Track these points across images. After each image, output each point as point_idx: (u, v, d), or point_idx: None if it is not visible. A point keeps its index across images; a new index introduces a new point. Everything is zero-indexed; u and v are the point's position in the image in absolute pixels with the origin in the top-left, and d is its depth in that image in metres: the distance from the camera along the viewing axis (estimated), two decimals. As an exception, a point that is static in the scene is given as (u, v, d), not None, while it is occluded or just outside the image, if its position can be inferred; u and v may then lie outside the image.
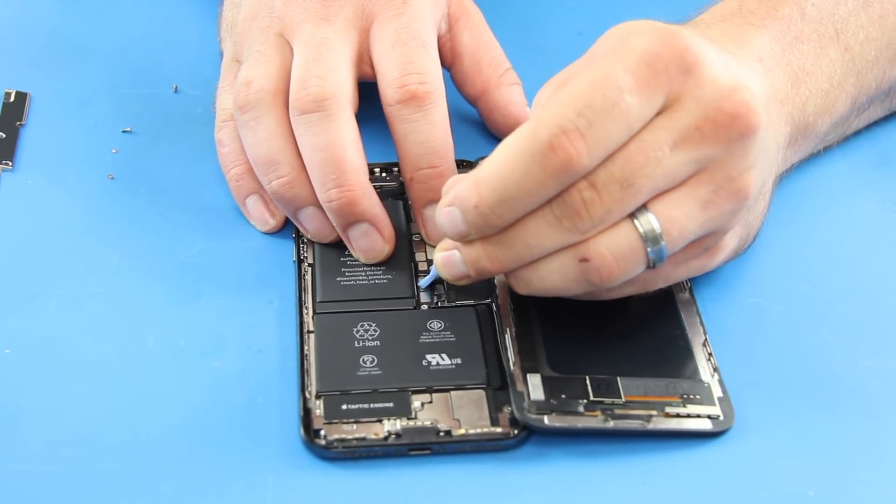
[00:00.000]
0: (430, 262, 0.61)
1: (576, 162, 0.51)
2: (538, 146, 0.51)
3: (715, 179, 0.53)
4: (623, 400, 0.54)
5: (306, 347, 0.57)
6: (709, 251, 0.56)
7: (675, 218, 0.53)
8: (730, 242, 0.57)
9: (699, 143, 0.52)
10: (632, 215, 0.53)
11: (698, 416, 0.54)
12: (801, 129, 0.61)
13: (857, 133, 0.68)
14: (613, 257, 0.53)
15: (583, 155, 0.51)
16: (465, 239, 0.54)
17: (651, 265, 0.53)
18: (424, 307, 0.59)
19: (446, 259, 0.55)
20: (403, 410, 0.55)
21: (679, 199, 0.53)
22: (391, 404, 0.55)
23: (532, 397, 0.54)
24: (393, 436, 0.54)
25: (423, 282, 0.60)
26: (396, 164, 0.65)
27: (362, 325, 0.58)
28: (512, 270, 0.54)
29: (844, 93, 0.63)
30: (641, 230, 0.52)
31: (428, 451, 0.54)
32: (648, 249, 0.53)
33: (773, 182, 0.60)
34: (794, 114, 0.60)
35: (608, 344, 0.57)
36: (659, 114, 0.52)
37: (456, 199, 0.53)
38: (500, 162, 0.52)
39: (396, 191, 0.65)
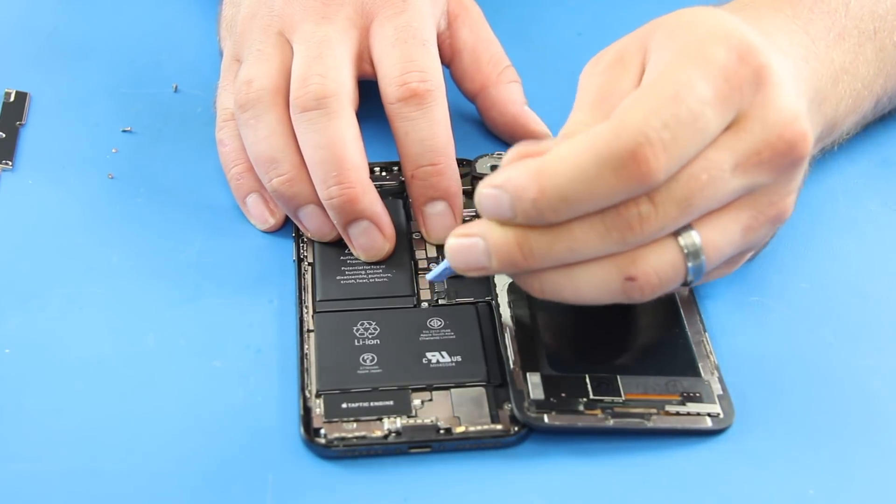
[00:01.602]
0: (430, 261, 0.61)
1: (654, 175, 0.49)
2: (619, 153, 0.49)
3: (758, 205, 0.53)
4: (623, 398, 0.54)
5: (306, 346, 0.57)
6: (731, 265, 0.56)
7: (716, 241, 0.52)
8: (750, 255, 0.57)
9: (757, 168, 0.52)
10: (677, 234, 0.52)
11: (698, 414, 0.54)
12: (829, 128, 0.61)
13: (860, 133, 0.68)
14: (658, 277, 0.52)
15: (662, 169, 0.49)
16: (504, 223, 0.52)
17: (688, 283, 0.53)
18: (424, 305, 0.59)
19: (466, 246, 0.53)
20: (403, 408, 0.55)
21: (724, 223, 0.52)
22: (391, 402, 0.55)
23: (532, 396, 0.54)
24: (393, 434, 0.54)
25: (433, 275, 0.57)
26: (396, 163, 0.65)
27: (362, 324, 0.58)
28: (540, 272, 0.53)
29: (872, 94, 0.63)
30: (686, 250, 0.52)
31: (428, 449, 0.54)
32: (689, 266, 0.52)
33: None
34: (829, 113, 0.60)
35: (608, 342, 0.57)
36: (725, 130, 0.51)
37: (509, 184, 0.51)
38: (572, 159, 0.50)
39: (396, 189, 0.65)
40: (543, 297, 0.53)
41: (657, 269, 0.52)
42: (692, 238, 0.52)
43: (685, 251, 0.52)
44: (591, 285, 0.52)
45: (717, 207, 0.52)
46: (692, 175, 0.51)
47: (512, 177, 0.51)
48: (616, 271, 0.52)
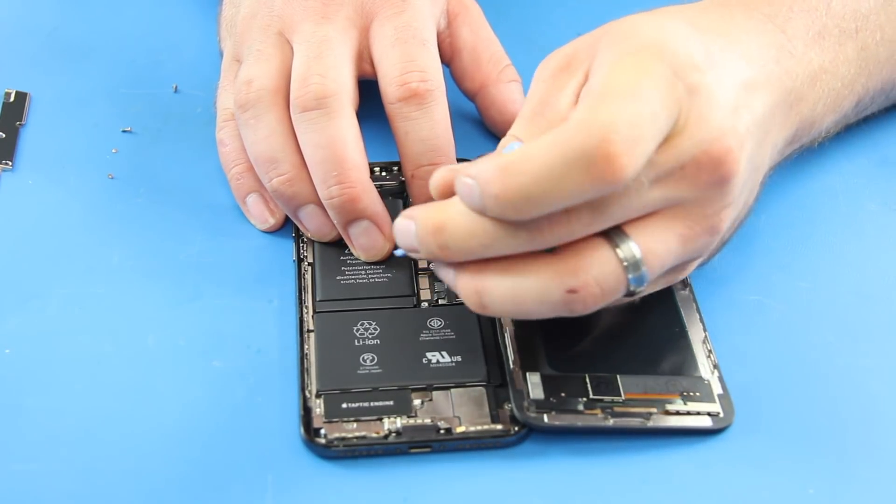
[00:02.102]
0: (430, 261, 0.61)
1: (624, 173, 0.49)
2: (589, 150, 0.49)
3: (690, 216, 0.52)
4: (623, 398, 0.54)
5: (306, 346, 0.57)
6: (676, 271, 0.55)
7: (655, 249, 0.52)
8: (697, 262, 0.56)
9: (678, 182, 0.51)
10: (614, 243, 0.51)
11: (698, 413, 0.54)
12: (807, 127, 0.61)
13: (858, 133, 0.68)
14: (600, 288, 0.51)
15: (632, 167, 0.49)
16: (476, 212, 0.51)
17: (630, 293, 0.53)
18: (424, 305, 0.59)
19: (402, 227, 0.53)
20: (404, 408, 0.55)
21: (657, 229, 0.52)
22: (391, 402, 0.55)
23: (532, 396, 0.54)
24: (393, 434, 0.54)
25: (399, 252, 0.56)
26: (396, 163, 0.65)
27: (362, 324, 0.58)
28: (480, 282, 0.52)
29: (853, 93, 0.63)
30: (625, 261, 0.51)
31: (428, 449, 0.54)
32: (630, 277, 0.52)
33: (763, 180, 0.59)
34: (805, 112, 0.59)
35: (608, 342, 0.57)
36: None
37: (480, 177, 0.50)
38: (540, 157, 0.49)
39: (396, 189, 0.65)
40: (485, 311, 0.53)
41: (598, 279, 0.51)
42: (630, 249, 0.51)
43: (624, 263, 0.51)
44: (531, 295, 0.52)
45: (638, 216, 0.52)
46: None
47: (482, 170, 0.51)
48: (557, 283, 0.51)
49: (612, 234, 0.51)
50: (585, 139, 0.49)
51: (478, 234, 0.51)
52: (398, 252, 0.56)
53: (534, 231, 0.51)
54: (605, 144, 0.48)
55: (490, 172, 0.50)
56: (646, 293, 0.55)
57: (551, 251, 0.52)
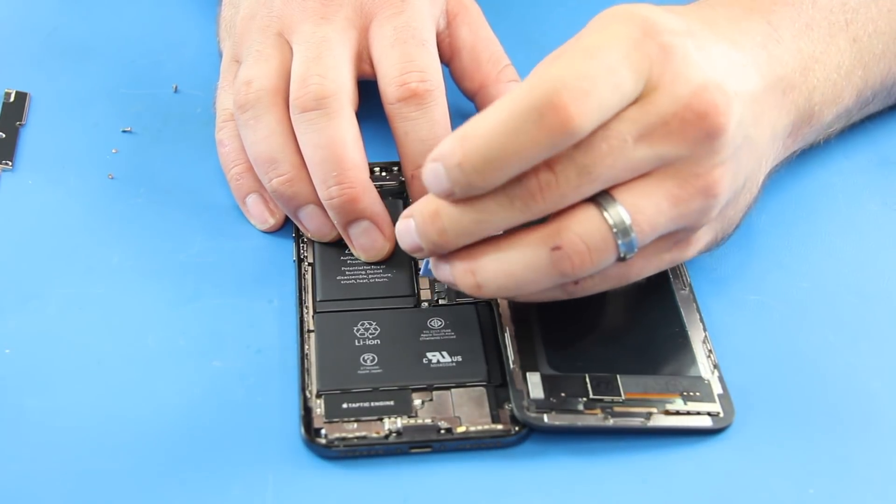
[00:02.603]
0: (426, 267, 0.61)
1: (575, 122, 0.49)
2: (537, 103, 0.49)
3: (680, 174, 0.52)
4: (623, 398, 0.54)
5: (306, 346, 0.57)
6: (680, 244, 0.55)
7: (642, 209, 0.52)
8: (703, 237, 0.56)
9: (665, 139, 0.52)
10: (600, 206, 0.52)
11: (698, 413, 0.54)
12: (805, 119, 0.60)
13: (859, 132, 0.68)
14: (587, 246, 0.52)
15: (584, 117, 0.50)
16: (450, 198, 0.52)
17: (622, 257, 0.53)
18: (425, 305, 0.59)
19: (403, 228, 0.54)
20: (404, 408, 0.55)
21: (647, 190, 0.52)
22: (392, 402, 0.55)
23: (532, 396, 0.54)
24: (394, 434, 0.54)
25: (423, 271, 0.57)
26: (396, 163, 0.65)
27: (362, 324, 0.58)
28: (473, 262, 0.53)
29: (851, 84, 0.63)
30: (611, 221, 0.52)
31: (429, 450, 0.54)
32: (619, 242, 0.52)
33: (768, 173, 0.59)
34: (800, 102, 0.59)
35: (607, 342, 0.57)
36: (632, 104, 0.52)
37: (440, 154, 0.51)
38: (491, 118, 0.50)
39: (396, 189, 0.65)
40: (481, 293, 0.54)
41: (583, 236, 0.52)
42: (616, 209, 0.52)
43: (610, 221, 0.51)
44: (522, 263, 0.52)
45: (632, 177, 0.52)
46: (592, 143, 0.51)
47: (442, 147, 0.51)
48: (542, 244, 0.52)
49: (599, 197, 0.52)
50: (534, 93, 0.50)
51: (470, 210, 0.52)
52: (422, 272, 0.57)
53: (525, 198, 0.51)
54: (552, 95, 0.49)
55: (449, 145, 0.51)
56: (651, 271, 0.55)
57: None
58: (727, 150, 0.53)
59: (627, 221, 0.52)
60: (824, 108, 0.61)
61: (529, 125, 0.50)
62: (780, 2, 0.61)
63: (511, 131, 0.50)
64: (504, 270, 0.53)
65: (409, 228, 0.54)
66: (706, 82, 0.52)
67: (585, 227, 0.52)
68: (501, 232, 0.53)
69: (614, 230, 0.52)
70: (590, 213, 0.52)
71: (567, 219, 0.52)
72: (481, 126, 0.51)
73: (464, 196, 0.52)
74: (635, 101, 0.52)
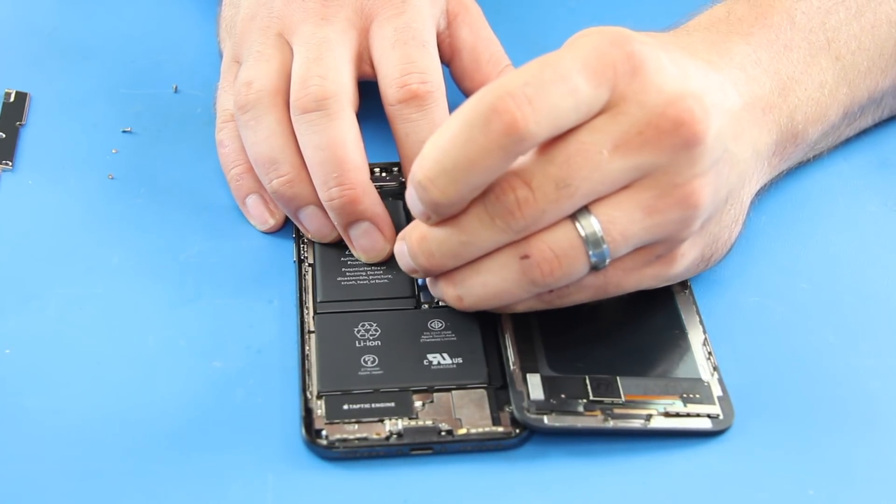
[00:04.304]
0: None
1: (521, 125, 0.50)
2: (481, 110, 0.50)
3: (658, 185, 0.52)
4: (623, 399, 0.54)
5: (307, 347, 0.57)
6: (662, 260, 0.55)
7: (616, 219, 0.52)
8: (689, 253, 0.56)
9: (640, 149, 0.52)
10: (573, 217, 0.52)
11: (698, 415, 0.54)
12: (789, 138, 0.60)
13: (858, 134, 0.68)
14: (555, 254, 0.52)
15: (528, 119, 0.50)
16: (428, 221, 0.54)
17: (595, 267, 0.53)
18: (425, 307, 0.59)
19: (399, 251, 0.56)
20: (405, 410, 0.55)
21: (621, 201, 0.52)
22: (392, 404, 0.55)
23: (532, 397, 0.54)
24: (394, 436, 0.54)
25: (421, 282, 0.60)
26: (396, 164, 0.65)
27: (363, 325, 0.58)
28: (453, 276, 0.55)
29: (836, 102, 0.63)
30: (582, 232, 0.52)
31: (429, 451, 0.54)
32: (590, 252, 0.52)
33: (756, 192, 0.59)
34: (782, 122, 0.59)
35: (608, 343, 0.57)
36: (601, 114, 0.52)
37: (411, 177, 0.53)
38: (444, 133, 0.51)
39: (396, 191, 0.65)
40: (463, 305, 0.55)
41: (553, 246, 0.52)
42: (588, 219, 0.52)
43: (581, 231, 0.52)
44: (495, 274, 0.53)
45: (610, 191, 0.52)
46: (567, 156, 0.51)
47: (412, 171, 0.53)
48: (513, 254, 0.53)
49: (574, 212, 0.52)
50: (480, 102, 0.50)
51: (454, 232, 0.53)
52: (421, 282, 0.59)
53: (504, 216, 0.52)
54: (497, 101, 0.50)
55: (414, 166, 0.52)
56: (632, 286, 0.55)
57: None
58: (706, 160, 0.53)
59: (599, 231, 0.52)
60: (808, 126, 0.61)
61: (477, 133, 0.50)
62: (759, 25, 0.61)
63: (462, 142, 0.51)
64: (480, 282, 0.54)
65: (403, 251, 0.56)
66: (682, 91, 0.52)
67: (556, 236, 0.52)
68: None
69: (584, 239, 0.52)
70: (562, 224, 0.52)
71: (541, 232, 0.52)
72: (436, 142, 0.52)
73: (439, 217, 0.53)
74: (604, 111, 0.52)
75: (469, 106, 0.51)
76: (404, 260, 0.56)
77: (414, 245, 0.54)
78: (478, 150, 0.50)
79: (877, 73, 0.65)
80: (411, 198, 0.53)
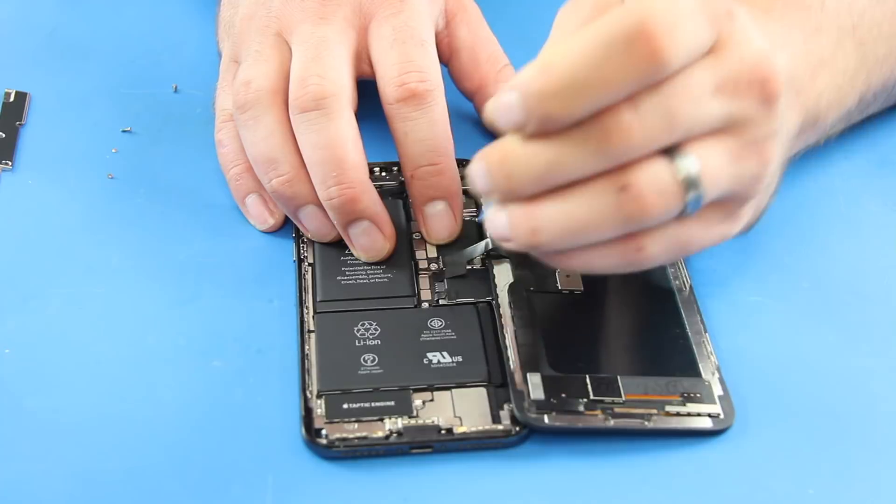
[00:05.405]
0: (430, 261, 0.61)
1: (665, 54, 0.48)
2: (629, 29, 0.48)
3: (743, 136, 0.51)
4: (623, 399, 0.54)
5: (307, 347, 0.57)
6: (730, 218, 0.54)
7: (709, 162, 0.51)
8: (747, 213, 0.55)
9: (735, 95, 0.51)
10: (670, 154, 0.50)
11: (699, 414, 0.54)
12: (811, 121, 0.60)
13: (858, 133, 0.68)
14: (654, 190, 0.50)
15: (672, 48, 0.48)
16: (522, 132, 0.50)
17: (686, 209, 0.51)
18: (425, 305, 0.59)
19: (473, 170, 0.52)
20: (405, 409, 0.55)
21: (713, 146, 0.51)
22: (392, 403, 0.55)
23: (532, 396, 0.54)
24: (394, 434, 0.54)
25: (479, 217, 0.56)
26: (396, 164, 0.65)
27: (363, 324, 0.58)
28: (530, 203, 0.51)
29: (854, 89, 0.63)
30: (681, 169, 0.50)
31: (429, 450, 0.54)
32: (689, 192, 0.50)
33: (783, 166, 0.59)
34: (808, 105, 0.59)
35: (608, 343, 0.57)
36: (707, 55, 0.50)
37: (518, 83, 0.49)
38: (577, 46, 0.48)
39: (396, 189, 0.65)
40: (537, 240, 0.51)
41: (652, 181, 0.50)
42: (689, 158, 0.50)
43: (681, 168, 0.50)
44: (585, 206, 0.50)
45: (701, 132, 0.51)
46: (675, 90, 0.49)
47: (521, 77, 0.49)
48: (609, 184, 0.50)
49: (670, 149, 0.50)
50: (624, 21, 0.48)
51: (542, 150, 0.50)
52: (479, 218, 0.56)
53: (601, 139, 0.49)
54: (644, 23, 0.48)
55: (530, 73, 0.49)
56: (707, 245, 0.53)
57: None
58: (777, 121, 0.52)
59: (697, 171, 0.50)
60: (829, 111, 0.61)
61: (618, 52, 0.48)
62: (792, 6, 0.61)
63: (600, 59, 0.48)
64: (565, 212, 0.50)
65: (480, 171, 0.51)
66: (767, 53, 0.51)
67: (655, 170, 0.50)
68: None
69: (685, 178, 0.50)
70: (659, 159, 0.50)
71: (636, 164, 0.50)
72: (568, 51, 0.48)
73: (538, 130, 0.50)
74: (708, 53, 0.51)
75: (610, 23, 0.48)
76: (480, 180, 0.51)
77: (494, 163, 0.51)
78: (615, 71, 0.48)
79: (893, 61, 0.65)
80: (509, 106, 0.49)
